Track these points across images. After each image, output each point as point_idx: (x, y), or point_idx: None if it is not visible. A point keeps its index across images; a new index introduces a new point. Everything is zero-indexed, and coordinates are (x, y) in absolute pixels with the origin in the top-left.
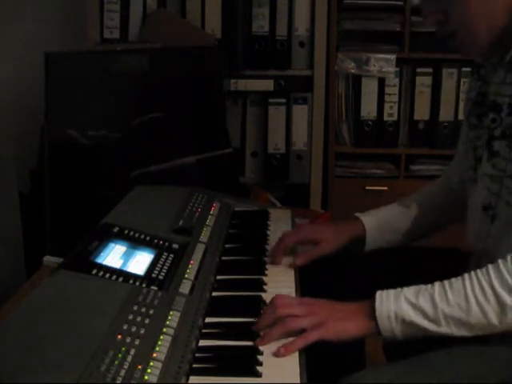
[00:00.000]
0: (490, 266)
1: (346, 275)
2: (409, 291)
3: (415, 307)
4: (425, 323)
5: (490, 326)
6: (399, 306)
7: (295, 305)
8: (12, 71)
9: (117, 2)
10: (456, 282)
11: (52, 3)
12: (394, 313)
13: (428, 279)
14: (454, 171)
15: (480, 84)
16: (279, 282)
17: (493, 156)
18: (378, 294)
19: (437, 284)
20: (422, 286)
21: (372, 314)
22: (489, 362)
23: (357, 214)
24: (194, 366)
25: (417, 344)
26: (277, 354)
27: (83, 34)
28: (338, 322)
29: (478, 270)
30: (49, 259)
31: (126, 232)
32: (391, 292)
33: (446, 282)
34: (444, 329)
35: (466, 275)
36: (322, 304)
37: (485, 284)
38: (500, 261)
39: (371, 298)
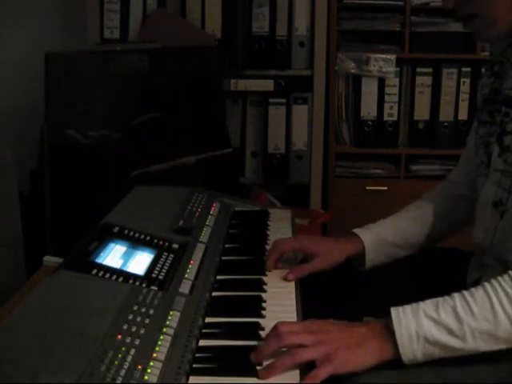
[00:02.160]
0: None
1: (345, 274)
2: (426, 305)
3: (437, 323)
4: (450, 340)
5: None
6: (419, 323)
7: (301, 332)
8: (12, 71)
9: (117, 2)
10: (478, 292)
11: (52, 3)
12: (416, 332)
13: (428, 278)
14: (459, 172)
15: (493, 80)
16: (279, 282)
17: (504, 151)
18: (394, 312)
19: (456, 295)
20: (440, 299)
21: (389, 335)
22: (488, 362)
23: (355, 230)
24: (194, 366)
25: None
26: None
27: (83, 34)
28: (351, 352)
29: (500, 278)
30: (49, 259)
31: (126, 232)
32: (408, 309)
33: (466, 293)
34: (470, 345)
35: (488, 284)
36: (331, 329)
37: (510, 292)
38: None
39: (385, 316)
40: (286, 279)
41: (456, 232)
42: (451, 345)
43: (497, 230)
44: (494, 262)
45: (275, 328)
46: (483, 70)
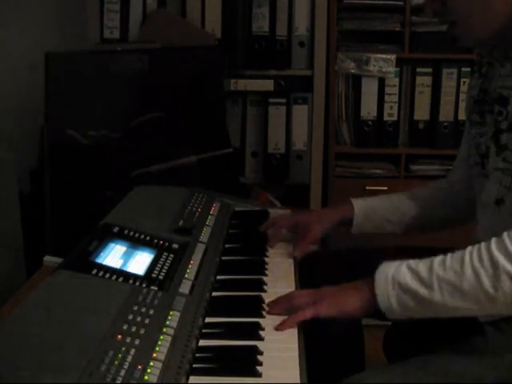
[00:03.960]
0: (494, 238)
1: (345, 275)
2: (414, 260)
3: (412, 271)
4: (419, 289)
5: (483, 293)
6: (398, 270)
7: (308, 295)
8: (12, 71)
9: (117, 2)
10: (459, 251)
11: (52, 3)
12: (392, 276)
13: None
14: (455, 170)
15: (482, 81)
16: (279, 282)
17: (501, 150)
18: (384, 263)
19: (441, 254)
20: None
21: (372, 286)
22: (487, 362)
23: (350, 199)
24: (194, 366)
25: (416, 341)
26: (276, 329)
27: (83, 34)
28: (335, 299)
29: (482, 243)
30: (49, 259)
31: (126, 232)
32: (396, 262)
33: (449, 252)
34: (437, 295)
35: (469, 246)
36: (330, 287)
37: (483, 249)
38: (505, 232)
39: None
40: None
41: (448, 228)
42: (420, 294)
43: (499, 229)
44: None
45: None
46: (472, 71)
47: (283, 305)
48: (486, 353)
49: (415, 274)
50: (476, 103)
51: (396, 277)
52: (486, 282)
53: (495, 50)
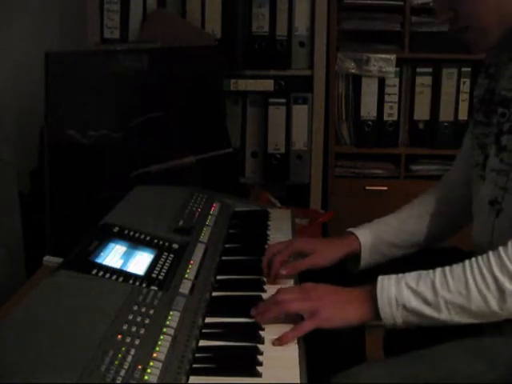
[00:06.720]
0: (491, 253)
1: (344, 274)
2: (410, 277)
3: (416, 293)
4: (425, 309)
5: (491, 313)
6: (400, 292)
7: (294, 291)
8: (12, 71)
9: (117, 2)
10: (457, 268)
11: (52, 3)
12: (395, 299)
13: None
14: (457, 174)
15: (488, 82)
16: (279, 282)
17: (501, 151)
18: (380, 279)
19: (438, 270)
20: (423, 272)
21: (373, 299)
22: (486, 359)
23: (351, 229)
24: (194, 366)
25: (416, 341)
26: (273, 344)
27: (83, 34)
28: (336, 309)
29: (479, 257)
30: (49, 259)
31: (126, 232)
32: (392, 278)
33: (446, 269)
34: (444, 315)
35: (467, 262)
36: (321, 288)
37: (485, 270)
38: (501, 248)
39: (373, 283)
40: (279, 273)
41: (453, 233)
42: (427, 314)
43: (494, 230)
44: None
45: (275, 296)
46: (479, 71)
47: (268, 302)
48: (484, 350)
49: (419, 296)
50: (481, 103)
51: (399, 299)
52: (494, 304)
53: (502, 51)
